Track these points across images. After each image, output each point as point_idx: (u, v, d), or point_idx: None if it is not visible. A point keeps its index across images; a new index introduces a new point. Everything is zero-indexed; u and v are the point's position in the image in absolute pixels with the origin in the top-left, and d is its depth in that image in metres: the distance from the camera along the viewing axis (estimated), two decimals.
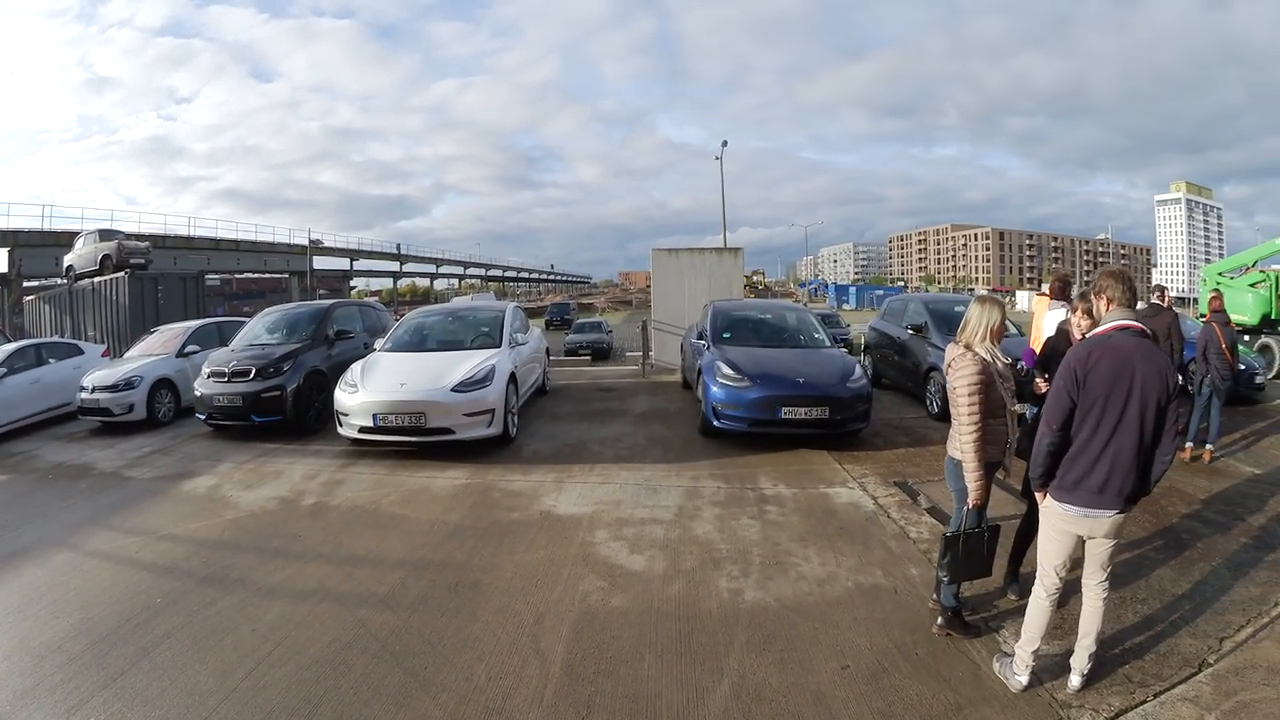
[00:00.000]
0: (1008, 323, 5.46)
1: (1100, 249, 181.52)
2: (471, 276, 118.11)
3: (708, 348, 10.68)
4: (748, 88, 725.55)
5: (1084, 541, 4.09)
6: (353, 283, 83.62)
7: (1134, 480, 3.84)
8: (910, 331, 12.86)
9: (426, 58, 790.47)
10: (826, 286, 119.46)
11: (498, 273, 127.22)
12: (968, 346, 4.52)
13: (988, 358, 4.47)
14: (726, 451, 9.18)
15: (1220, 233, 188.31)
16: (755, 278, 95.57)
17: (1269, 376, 17.71)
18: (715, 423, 9.39)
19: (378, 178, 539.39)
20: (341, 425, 9.43)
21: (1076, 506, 3.90)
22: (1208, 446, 9.61)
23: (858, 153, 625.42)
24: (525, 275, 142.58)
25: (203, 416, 11.13)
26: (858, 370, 9.99)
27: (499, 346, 10.73)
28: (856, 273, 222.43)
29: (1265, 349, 19.55)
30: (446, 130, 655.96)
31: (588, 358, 28.30)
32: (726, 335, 11.11)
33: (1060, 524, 4.01)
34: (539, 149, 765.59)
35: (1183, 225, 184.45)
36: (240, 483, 8.39)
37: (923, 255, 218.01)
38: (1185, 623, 5.20)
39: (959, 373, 4.44)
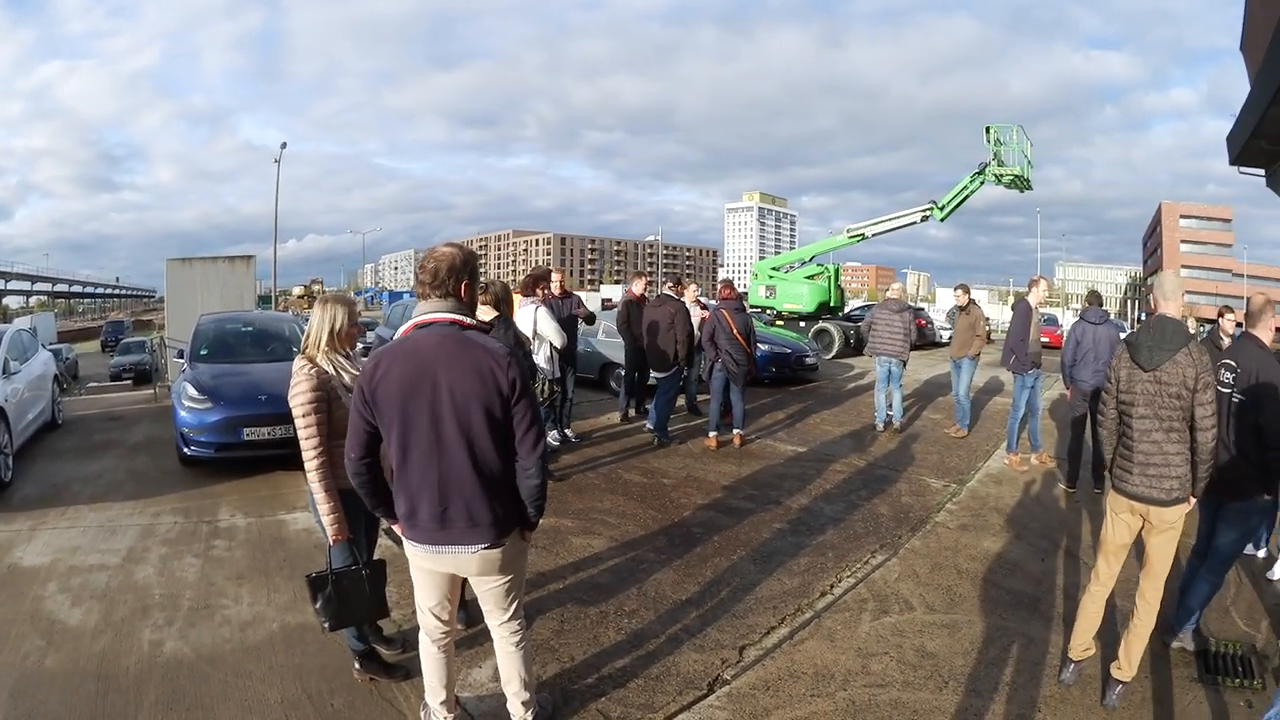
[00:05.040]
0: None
1: (666, 251, 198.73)
2: (39, 292, 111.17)
3: (184, 368, 10.23)
4: (336, 91, 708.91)
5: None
6: None
7: (490, 506, 3.29)
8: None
9: (44, 34, 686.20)
10: (382, 294, 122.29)
11: (64, 287, 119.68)
12: (310, 358, 4.11)
13: (330, 369, 4.10)
14: (200, 481, 8.74)
15: (793, 236, 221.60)
16: (315, 287, 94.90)
17: (828, 358, 20.52)
18: (186, 450, 8.90)
19: None
20: None
21: (420, 544, 3.38)
22: (736, 431, 9.91)
23: (432, 160, 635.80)
24: (92, 290, 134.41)
25: None
26: None
27: None
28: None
29: (823, 333, 22.43)
30: (44, 120, 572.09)
31: (130, 382, 27.11)
32: (204, 352, 10.62)
33: (416, 561, 3.52)
34: (124, 146, 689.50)
35: (754, 230, 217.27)
36: None
37: (483, 260, 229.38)
38: (690, 635, 4.75)
39: (292, 390, 4.02)
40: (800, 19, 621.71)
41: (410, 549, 3.43)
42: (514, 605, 3.58)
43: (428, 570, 3.48)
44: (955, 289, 11.82)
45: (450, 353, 3.15)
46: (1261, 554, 6.16)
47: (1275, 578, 5.92)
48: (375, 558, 4.35)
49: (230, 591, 5.75)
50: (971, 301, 11.10)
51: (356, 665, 4.40)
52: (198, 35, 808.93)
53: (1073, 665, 4.33)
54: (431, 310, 3.21)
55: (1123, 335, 5.47)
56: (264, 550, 6.57)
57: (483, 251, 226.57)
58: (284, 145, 43.18)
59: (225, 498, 8.06)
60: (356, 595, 4.02)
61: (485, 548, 3.30)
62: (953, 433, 10.77)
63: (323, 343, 4.10)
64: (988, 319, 12.69)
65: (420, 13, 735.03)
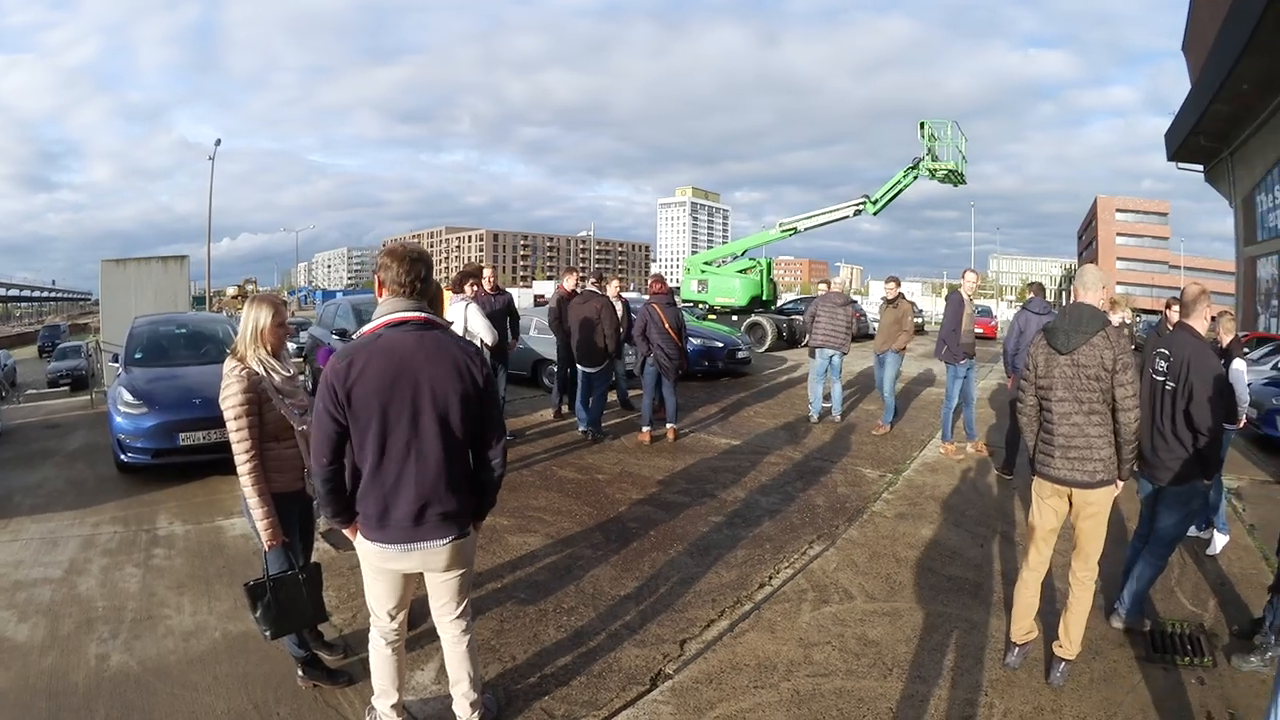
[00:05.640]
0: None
1: (599, 247, 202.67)
2: None
3: (119, 372, 10.17)
4: (271, 85, 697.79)
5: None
6: None
7: (458, 499, 3.39)
8: (335, 336, 12.69)
9: None
10: (316, 293, 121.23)
11: (1, 291, 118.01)
12: (241, 359, 4.06)
13: (260, 370, 4.05)
14: (138, 488, 8.66)
15: (725, 230, 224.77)
16: (249, 286, 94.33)
17: (761, 351, 20.88)
18: (123, 457, 8.83)
19: None
20: None
21: (392, 545, 3.37)
22: (669, 425, 9.98)
23: (365, 156, 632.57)
24: (28, 294, 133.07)
25: None
26: None
27: None
28: (350, 278, 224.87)
29: (755, 326, 22.87)
30: None
31: (67, 388, 26.72)
32: (139, 356, 10.52)
33: (378, 563, 3.48)
34: (61, 144, 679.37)
35: (686, 225, 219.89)
36: None
37: None
38: (631, 630, 4.78)
39: (223, 392, 3.99)
40: (735, 16, 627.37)
41: (373, 551, 3.42)
42: (466, 600, 3.63)
43: (390, 571, 3.49)
44: (886, 281, 11.79)
45: (430, 351, 3.22)
46: (1205, 534, 6.36)
47: (1215, 552, 6.17)
48: (311, 561, 4.32)
49: (172, 601, 5.71)
50: (901, 295, 11.06)
51: (299, 672, 4.37)
52: (135, 28, 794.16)
53: (1016, 649, 4.43)
54: (404, 309, 3.26)
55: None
56: (203, 558, 6.54)
57: None
58: (219, 141, 43.22)
59: (163, 505, 8.02)
60: (295, 601, 3.99)
61: (454, 539, 3.38)
62: (875, 431, 10.61)
63: (250, 343, 4.07)
64: (920, 311, 12.78)
65: (355, 7, 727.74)
